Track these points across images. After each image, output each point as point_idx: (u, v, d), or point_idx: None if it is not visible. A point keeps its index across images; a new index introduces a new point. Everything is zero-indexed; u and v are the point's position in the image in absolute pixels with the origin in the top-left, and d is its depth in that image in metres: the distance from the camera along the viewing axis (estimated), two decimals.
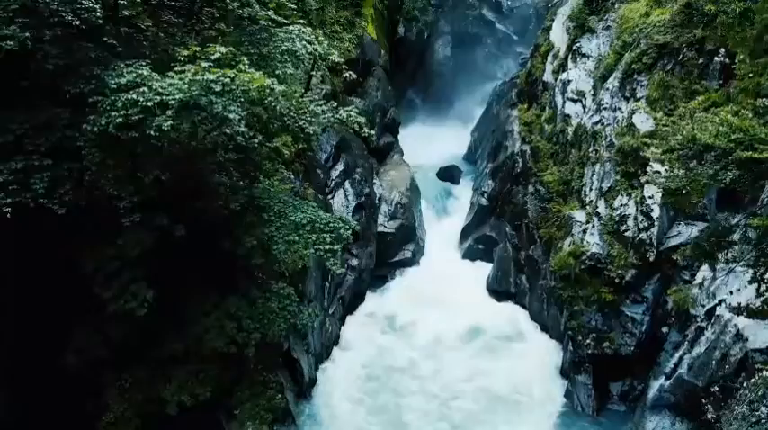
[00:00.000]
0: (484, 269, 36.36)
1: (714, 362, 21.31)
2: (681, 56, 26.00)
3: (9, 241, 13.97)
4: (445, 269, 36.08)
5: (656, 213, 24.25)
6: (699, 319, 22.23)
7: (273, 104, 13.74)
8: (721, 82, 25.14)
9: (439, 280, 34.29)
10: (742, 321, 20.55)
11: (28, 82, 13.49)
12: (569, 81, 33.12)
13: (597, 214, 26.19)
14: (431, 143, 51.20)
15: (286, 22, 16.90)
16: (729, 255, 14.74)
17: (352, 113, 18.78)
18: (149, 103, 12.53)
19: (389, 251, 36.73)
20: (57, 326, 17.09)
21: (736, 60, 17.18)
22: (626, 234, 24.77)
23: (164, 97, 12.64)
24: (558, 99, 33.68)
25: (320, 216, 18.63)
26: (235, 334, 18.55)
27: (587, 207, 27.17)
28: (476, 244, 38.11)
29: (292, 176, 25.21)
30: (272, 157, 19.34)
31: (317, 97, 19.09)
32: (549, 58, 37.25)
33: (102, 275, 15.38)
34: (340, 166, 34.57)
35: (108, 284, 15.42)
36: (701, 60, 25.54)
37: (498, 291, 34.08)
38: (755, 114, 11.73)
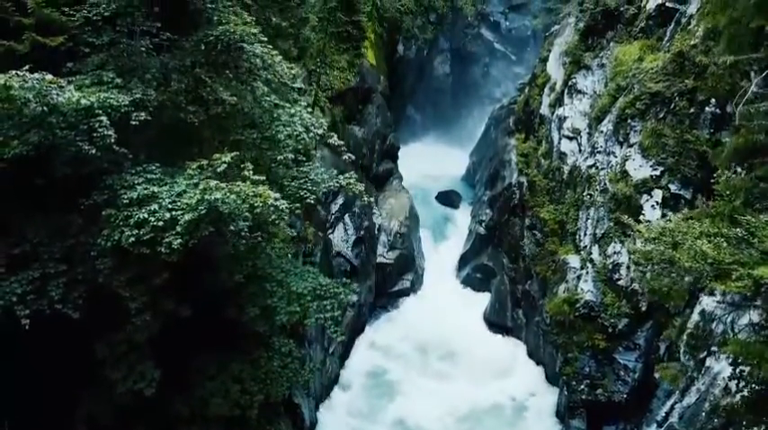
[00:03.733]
0: (481, 299, 36.99)
1: (704, 413, 21.81)
2: (673, 105, 26.53)
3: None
4: (443, 299, 36.71)
5: None
6: (690, 369, 22.82)
7: (277, 222, 14.36)
8: (712, 131, 25.76)
9: (437, 312, 34.83)
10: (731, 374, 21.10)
11: (44, 180, 14.07)
12: (565, 118, 33.69)
13: (591, 261, 26.80)
14: (430, 162, 52.01)
15: (287, 105, 17.51)
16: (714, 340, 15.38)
17: (351, 181, 19.32)
18: (160, 223, 13.19)
19: (388, 281, 37.31)
20: (65, 396, 17.67)
21: (716, 174, 17.72)
22: (619, 283, 25.38)
23: (173, 213, 13.29)
24: (555, 135, 34.26)
25: (320, 283, 19.17)
26: (239, 397, 19.15)
27: (582, 252, 27.76)
28: (474, 272, 38.75)
29: (293, 218, 25.68)
30: (274, 222, 19.83)
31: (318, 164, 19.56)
32: (546, 90, 37.85)
33: (111, 358, 16.00)
34: (340, 200, 34.98)
35: (117, 366, 16.04)
36: (692, 110, 26.08)
37: (496, 323, 34.68)
38: (728, 242, 12.33)
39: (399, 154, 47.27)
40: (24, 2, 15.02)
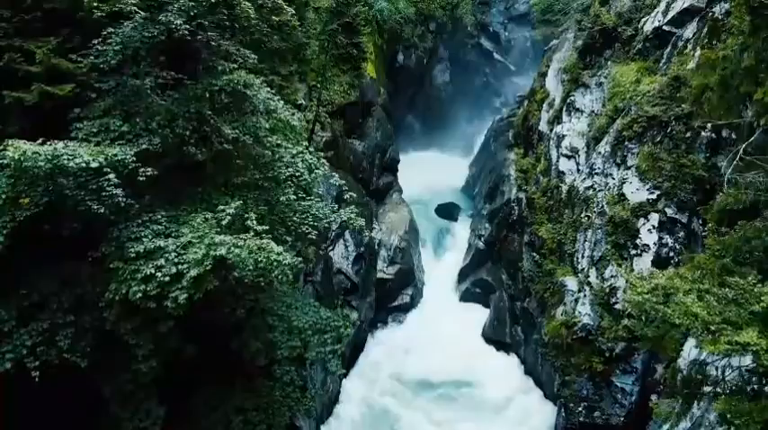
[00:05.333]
0: (480, 314, 37.26)
1: None
2: (669, 128, 26.83)
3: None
4: (443, 315, 36.93)
5: None
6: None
7: (281, 277, 14.69)
8: (708, 155, 26.06)
9: (436, 329, 34.96)
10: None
11: (49, 226, 14.39)
12: (563, 136, 33.97)
13: (589, 283, 27.07)
14: (429, 170, 52.08)
15: (289, 146, 17.84)
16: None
17: (352, 216, 19.71)
18: (166, 278, 13.56)
19: (389, 296, 37.54)
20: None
21: (707, 228, 18.00)
22: (616, 306, 25.66)
23: (179, 267, 13.65)
24: (553, 153, 34.54)
25: (321, 316, 19.50)
26: (241, 428, 19.49)
27: (579, 275, 28.03)
28: (473, 287, 39.07)
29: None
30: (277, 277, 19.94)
31: (319, 200, 19.88)
32: (545, 106, 38.11)
33: (118, 397, 16.36)
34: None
35: (123, 405, 16.41)
36: (688, 134, 26.37)
37: (494, 339, 35.01)
38: (718, 301, 12.66)
39: (399, 164, 47.47)
40: (32, 51, 15.34)
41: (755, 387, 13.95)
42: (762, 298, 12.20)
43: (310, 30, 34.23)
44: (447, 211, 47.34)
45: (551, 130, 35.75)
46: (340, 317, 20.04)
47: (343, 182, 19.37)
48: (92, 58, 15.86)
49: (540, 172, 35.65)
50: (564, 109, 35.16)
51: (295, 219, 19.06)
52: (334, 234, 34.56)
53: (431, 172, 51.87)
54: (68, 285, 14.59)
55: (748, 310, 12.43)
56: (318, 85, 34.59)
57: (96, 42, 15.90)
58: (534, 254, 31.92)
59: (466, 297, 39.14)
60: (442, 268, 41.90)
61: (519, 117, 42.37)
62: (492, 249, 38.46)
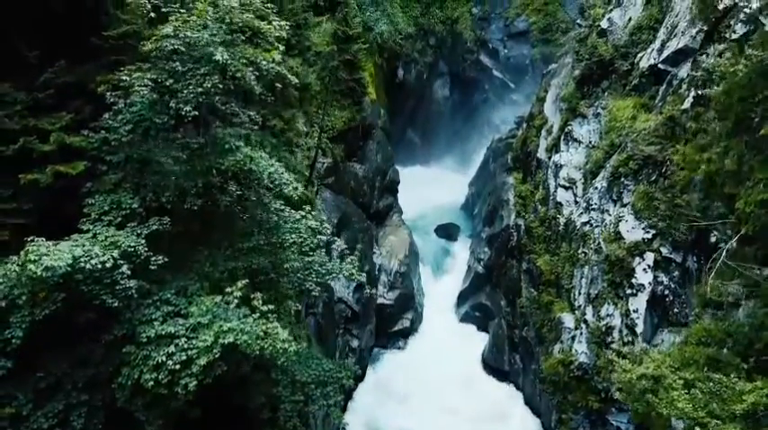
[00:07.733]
0: (479, 338, 37.89)
1: None
2: (664, 168, 27.27)
3: None
4: (442, 340, 37.54)
5: (639, 328, 25.63)
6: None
7: (285, 364, 15.25)
8: (702, 196, 26.50)
9: (436, 355, 35.56)
10: None
11: (64, 310, 14.92)
12: (561, 166, 34.43)
13: (585, 321, 27.60)
14: (429, 185, 52.75)
15: (292, 212, 18.41)
16: None
17: (354, 272, 20.28)
18: (177, 366, 14.09)
19: (389, 321, 38.17)
20: None
21: (693, 312, 18.51)
22: (612, 346, 26.20)
23: (189, 352, 14.20)
24: (551, 182, 35.04)
25: (324, 369, 20.06)
26: None
27: (576, 311, 28.59)
28: (472, 311, 39.66)
29: None
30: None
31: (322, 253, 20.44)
32: (543, 132, 38.60)
33: None
34: (341, 245, 35.66)
35: None
36: (682, 175, 26.78)
37: (493, 367, 35.58)
38: (702, 393, 13.20)
39: (399, 175, 47.96)
40: (46, 130, 15.83)
41: None
42: (743, 397, 12.75)
43: (311, 58, 34.84)
44: (446, 232, 47.93)
45: (549, 158, 36.25)
46: (342, 367, 20.56)
47: (345, 246, 19.85)
48: (103, 132, 16.40)
49: (539, 200, 36.13)
50: (562, 138, 35.60)
51: (299, 276, 19.68)
52: None
53: (430, 188, 52.51)
54: (82, 365, 15.12)
55: (731, 407, 12.96)
56: (320, 112, 35.11)
57: (107, 116, 16.45)
58: (532, 289, 32.43)
59: (466, 320, 39.78)
60: (441, 290, 42.48)
61: (518, 140, 42.82)
62: (491, 273, 39.02)
